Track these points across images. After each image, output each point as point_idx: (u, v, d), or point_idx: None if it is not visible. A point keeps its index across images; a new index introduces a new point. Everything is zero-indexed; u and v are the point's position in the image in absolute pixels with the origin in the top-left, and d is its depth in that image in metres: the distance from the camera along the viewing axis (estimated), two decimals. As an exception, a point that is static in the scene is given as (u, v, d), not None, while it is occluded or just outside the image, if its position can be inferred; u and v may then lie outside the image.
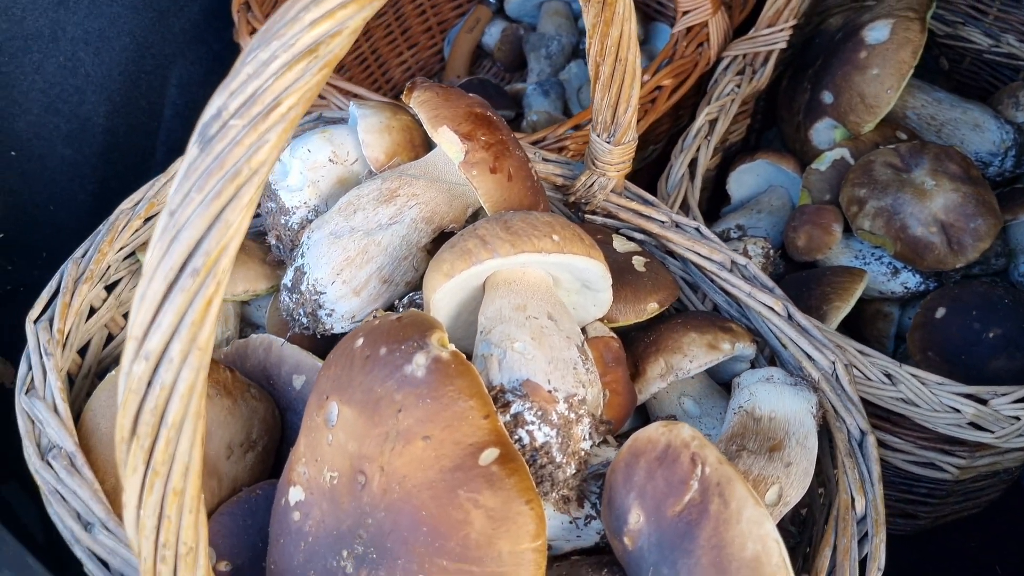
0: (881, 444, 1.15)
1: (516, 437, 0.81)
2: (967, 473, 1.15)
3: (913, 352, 1.25)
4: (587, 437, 0.84)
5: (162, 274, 0.54)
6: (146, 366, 0.55)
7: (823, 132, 1.41)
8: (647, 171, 1.54)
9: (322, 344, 1.04)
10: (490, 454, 0.76)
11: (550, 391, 0.82)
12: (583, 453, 0.83)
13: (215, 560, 0.90)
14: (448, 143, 0.95)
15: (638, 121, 1.31)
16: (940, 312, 1.24)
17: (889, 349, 1.33)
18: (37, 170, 1.47)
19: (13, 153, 1.45)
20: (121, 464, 0.59)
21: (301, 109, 0.59)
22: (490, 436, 0.76)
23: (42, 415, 0.89)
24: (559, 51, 1.74)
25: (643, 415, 1.07)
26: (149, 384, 0.56)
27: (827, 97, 1.38)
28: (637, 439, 0.80)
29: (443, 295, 0.89)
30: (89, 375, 1.03)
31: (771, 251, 1.32)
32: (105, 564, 0.81)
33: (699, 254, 1.08)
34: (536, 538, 0.75)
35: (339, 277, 0.97)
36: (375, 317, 0.91)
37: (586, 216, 1.13)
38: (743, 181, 1.46)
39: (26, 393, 0.91)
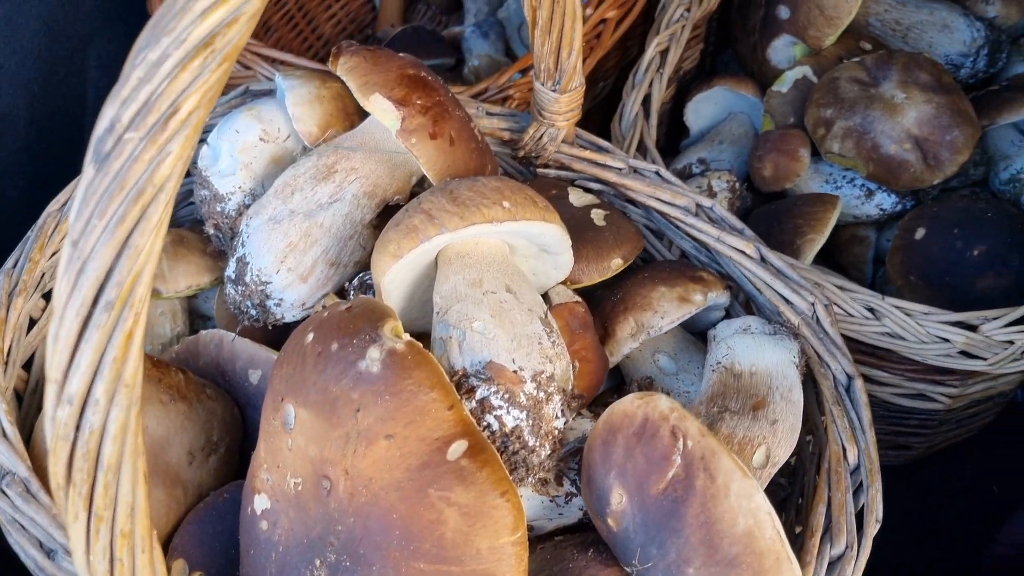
0: (868, 380, 1.12)
1: (484, 424, 0.77)
2: (959, 401, 1.13)
3: (893, 277, 1.21)
4: (559, 415, 0.80)
5: (73, 311, 0.49)
6: (71, 410, 0.51)
7: (781, 50, 1.34)
8: (599, 110, 1.47)
9: (275, 334, 0.99)
10: (458, 447, 0.71)
11: (516, 371, 0.78)
12: (556, 432, 0.79)
13: (188, 572, 0.86)
14: (382, 111, 0.88)
15: (584, 60, 1.23)
16: (920, 233, 1.20)
17: (868, 275, 1.29)
18: (-41, 172, 1.38)
19: (-70, 155, 1.35)
20: (62, 511, 0.54)
21: (203, 112, 0.53)
22: (456, 428, 0.72)
23: (-14, 444, 0.83)
24: (496, -13, 1.64)
25: (617, 374, 1.03)
26: (78, 429, 0.51)
27: (783, 12, 1.31)
28: (612, 413, 0.76)
29: (393, 277, 0.84)
30: (38, 389, 0.97)
31: (737, 184, 1.27)
32: (69, 595, 0.77)
33: (661, 200, 1.02)
34: (515, 531, 0.72)
35: (283, 265, 0.91)
36: (324, 307, 0.86)
37: (538, 170, 1.07)
38: (701, 111, 1.40)
39: (-34, 422, 0.85)
